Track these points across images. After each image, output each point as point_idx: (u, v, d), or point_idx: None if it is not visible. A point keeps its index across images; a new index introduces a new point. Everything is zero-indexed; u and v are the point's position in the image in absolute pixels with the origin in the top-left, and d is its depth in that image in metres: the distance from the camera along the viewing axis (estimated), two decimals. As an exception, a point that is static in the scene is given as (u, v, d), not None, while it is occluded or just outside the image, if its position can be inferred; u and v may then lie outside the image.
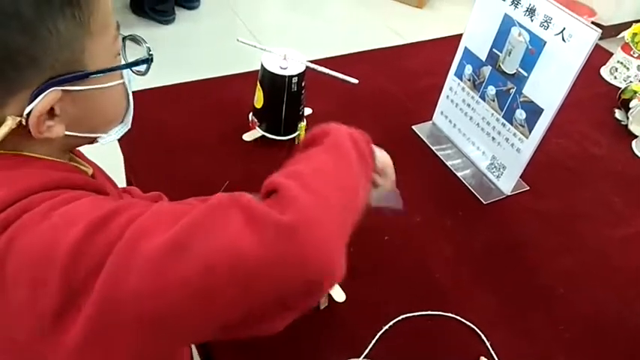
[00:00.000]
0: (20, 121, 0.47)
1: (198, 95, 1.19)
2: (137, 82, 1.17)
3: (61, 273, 0.41)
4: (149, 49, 0.56)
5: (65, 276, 0.41)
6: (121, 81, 0.54)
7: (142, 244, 0.41)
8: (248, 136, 1.06)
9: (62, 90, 0.47)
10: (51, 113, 0.48)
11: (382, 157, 0.70)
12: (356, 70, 1.10)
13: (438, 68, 1.16)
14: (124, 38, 0.56)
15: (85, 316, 0.40)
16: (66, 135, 0.51)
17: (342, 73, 1.04)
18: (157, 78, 1.21)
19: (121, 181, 1.03)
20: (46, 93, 0.46)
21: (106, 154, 1.06)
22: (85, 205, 0.45)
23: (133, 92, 1.18)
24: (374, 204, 0.70)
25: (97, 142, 0.57)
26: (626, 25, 1.49)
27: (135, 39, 0.57)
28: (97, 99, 0.52)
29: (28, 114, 0.46)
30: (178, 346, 0.44)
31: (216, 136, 1.08)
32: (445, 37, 1.43)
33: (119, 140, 1.04)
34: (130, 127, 0.60)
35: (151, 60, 0.56)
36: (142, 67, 0.57)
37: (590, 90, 1.40)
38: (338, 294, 0.80)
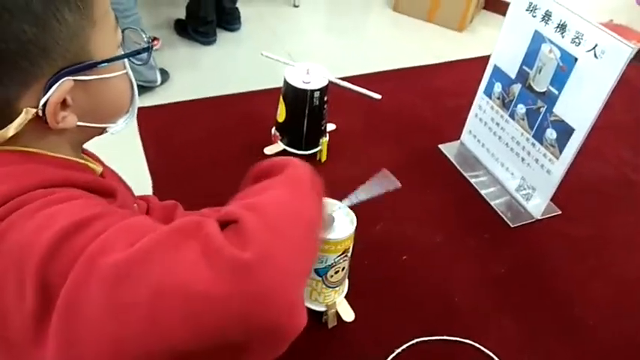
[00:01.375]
0: (36, 113, 0.48)
1: (224, 109, 1.20)
2: (169, 97, 1.20)
3: (36, 276, 0.41)
4: (149, 38, 0.58)
5: (39, 280, 0.40)
6: (124, 71, 0.56)
7: (100, 260, 0.40)
8: (269, 150, 1.06)
9: (74, 80, 0.49)
10: (63, 104, 0.50)
11: (327, 207, 0.67)
12: (383, 87, 1.08)
13: (469, 87, 1.13)
14: (124, 30, 0.57)
15: (54, 325, 0.40)
16: (77, 126, 0.52)
17: (370, 89, 1.03)
18: (196, 96, 1.24)
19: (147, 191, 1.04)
20: (59, 83, 0.48)
21: (135, 168, 1.08)
22: (68, 208, 0.45)
23: (162, 106, 1.22)
24: (367, 197, 0.68)
25: (107, 132, 0.58)
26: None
27: (135, 30, 0.58)
28: (104, 88, 0.54)
29: (44, 105, 0.48)
30: None
31: (239, 150, 1.08)
32: (478, 57, 1.40)
33: (146, 153, 1.09)
34: (135, 116, 0.61)
35: (151, 48, 0.58)
36: (143, 59, 0.58)
37: (633, 113, 1.34)
38: (346, 313, 0.77)
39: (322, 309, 0.77)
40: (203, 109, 1.20)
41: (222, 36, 2.94)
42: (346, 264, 0.73)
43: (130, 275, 0.39)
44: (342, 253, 0.70)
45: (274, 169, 0.56)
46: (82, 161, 0.58)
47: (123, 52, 0.56)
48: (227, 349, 0.41)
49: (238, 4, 2.96)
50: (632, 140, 1.25)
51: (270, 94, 1.15)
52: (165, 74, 2.53)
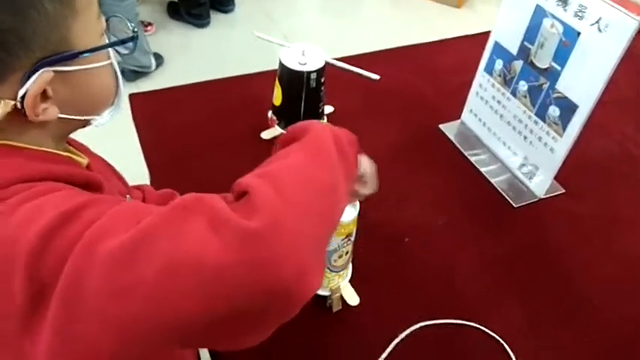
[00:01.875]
0: (15, 105, 0.46)
1: (218, 94, 1.17)
2: (164, 82, 1.17)
3: (25, 271, 0.40)
4: (134, 28, 0.56)
5: (28, 275, 0.40)
6: (108, 61, 0.54)
7: (99, 246, 0.39)
8: (267, 134, 1.03)
9: (53, 71, 0.47)
10: (43, 95, 0.48)
11: (365, 163, 0.64)
12: (382, 66, 1.06)
13: (469, 65, 1.11)
14: (108, 18, 0.55)
15: (52, 316, 0.39)
16: (59, 118, 0.50)
17: (368, 69, 1.01)
18: (192, 79, 1.22)
19: (145, 179, 1.02)
20: (38, 74, 0.46)
21: (130, 155, 1.06)
22: (51, 200, 0.44)
23: (156, 91, 1.19)
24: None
25: (91, 124, 0.56)
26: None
27: (121, 19, 0.56)
28: (86, 79, 0.52)
29: (23, 96, 0.46)
30: (152, 352, 0.41)
31: (235, 135, 1.06)
32: (478, 34, 1.37)
33: (140, 139, 1.07)
34: (122, 108, 0.59)
35: (137, 38, 0.56)
36: (128, 49, 0.56)
37: (636, 88, 1.31)
38: (351, 296, 0.76)
39: (327, 293, 0.76)
40: (197, 93, 1.18)
41: (216, 18, 2.89)
42: (350, 248, 0.71)
43: (134, 256, 0.39)
44: (346, 237, 0.69)
45: (297, 134, 0.55)
46: (66, 154, 0.56)
47: (107, 42, 0.54)
48: (238, 317, 0.41)
49: (231, -15, 2.92)
50: (635, 115, 1.22)
51: (266, 77, 1.13)
52: (159, 58, 2.49)
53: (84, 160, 0.59)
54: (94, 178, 0.56)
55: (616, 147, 1.13)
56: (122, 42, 0.55)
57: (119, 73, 0.58)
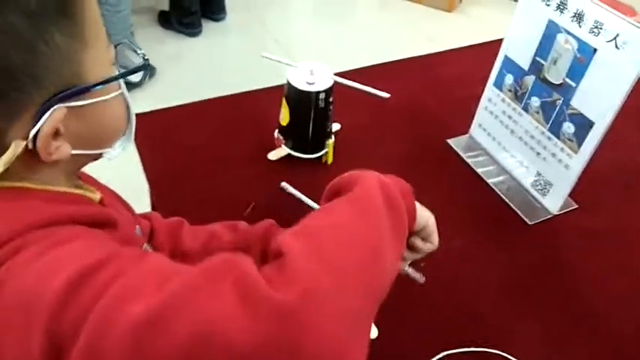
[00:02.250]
0: (26, 146, 0.44)
1: (223, 112, 1.14)
2: (164, 100, 1.15)
3: (45, 325, 0.37)
4: (144, 56, 0.54)
5: (49, 328, 0.37)
6: (119, 91, 0.52)
7: (123, 308, 0.36)
8: (273, 155, 1.01)
9: (66, 107, 0.45)
10: (56, 133, 0.46)
11: (424, 215, 0.60)
12: (387, 81, 1.04)
13: (475, 77, 1.09)
14: (116, 46, 0.53)
15: None
16: (72, 155, 0.48)
17: (373, 84, 0.98)
18: (185, 91, 1.19)
19: (146, 205, 0.99)
20: (51, 111, 0.44)
21: (130, 177, 1.03)
22: (72, 252, 0.41)
23: (156, 111, 1.16)
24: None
25: (103, 157, 0.54)
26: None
27: (129, 46, 0.53)
28: (99, 112, 0.49)
29: (35, 136, 0.44)
30: None
31: (240, 155, 1.03)
32: (481, 44, 1.36)
33: (142, 161, 1.03)
34: (133, 139, 0.57)
35: (148, 66, 0.54)
36: (139, 77, 0.55)
37: (640, 96, 1.30)
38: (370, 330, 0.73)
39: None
40: (200, 112, 1.15)
41: (208, 26, 2.85)
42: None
43: (163, 321, 0.36)
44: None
45: (343, 186, 0.52)
46: (79, 192, 0.53)
47: (117, 71, 0.52)
48: None
49: (222, -8, 2.88)
50: (642, 124, 1.21)
51: (270, 94, 1.10)
52: (151, 69, 2.45)
53: (97, 196, 0.57)
54: (110, 216, 0.54)
55: (627, 160, 1.12)
56: (133, 71, 0.53)
57: (130, 102, 0.55)
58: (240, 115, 1.13)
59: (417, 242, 0.63)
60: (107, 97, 0.49)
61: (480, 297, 0.83)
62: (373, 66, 1.28)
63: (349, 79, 0.94)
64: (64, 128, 0.46)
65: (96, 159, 0.54)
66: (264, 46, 2.75)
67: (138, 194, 0.94)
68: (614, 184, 1.06)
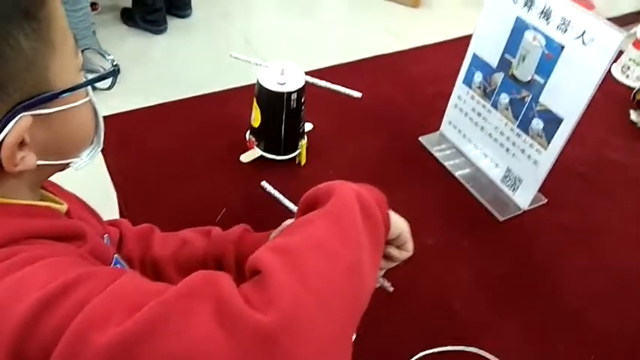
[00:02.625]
0: None
1: (192, 113, 1.12)
2: (129, 101, 1.11)
3: (10, 349, 0.36)
4: (113, 61, 0.52)
5: (14, 352, 0.36)
6: (87, 98, 0.50)
7: (93, 335, 0.34)
8: (246, 157, 0.99)
9: (32, 115, 0.43)
10: (21, 143, 0.44)
11: (398, 223, 0.59)
12: (358, 79, 1.03)
13: (444, 74, 1.09)
14: (83, 51, 0.51)
15: None
16: (37, 165, 0.46)
17: (344, 83, 0.97)
18: (150, 91, 1.15)
19: (114, 212, 0.96)
20: (16, 120, 0.42)
21: (97, 183, 1.00)
22: (36, 274, 0.39)
23: (122, 114, 1.13)
24: None
25: (70, 167, 0.52)
26: (629, 19, 1.42)
27: (97, 51, 0.51)
28: (66, 120, 0.47)
29: None
30: None
31: (211, 158, 1.01)
32: (449, 41, 1.36)
33: (108, 167, 1.00)
34: (101, 147, 0.54)
35: (118, 72, 0.52)
36: (108, 83, 0.52)
37: (601, 90, 1.33)
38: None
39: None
40: (167, 113, 1.12)
41: (173, 23, 2.80)
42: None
43: (133, 353, 0.34)
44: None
45: (319, 197, 0.50)
46: (44, 204, 0.51)
47: (84, 78, 0.50)
48: None
49: (187, -12, 2.83)
50: (603, 118, 1.24)
51: (240, 94, 1.08)
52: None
53: (63, 207, 0.55)
54: (78, 228, 0.52)
55: (590, 152, 1.14)
56: (102, 77, 0.52)
57: (98, 110, 0.53)
58: (209, 117, 1.11)
59: (393, 251, 0.62)
60: (74, 104, 0.47)
61: (454, 295, 0.84)
62: (344, 64, 1.27)
63: (320, 78, 0.93)
64: (30, 137, 0.44)
65: (63, 169, 0.52)
66: (231, 43, 2.72)
67: (104, 201, 0.91)
68: (581, 178, 1.08)
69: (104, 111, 0.53)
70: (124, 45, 2.63)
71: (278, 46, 2.67)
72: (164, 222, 0.80)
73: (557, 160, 0.91)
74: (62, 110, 0.46)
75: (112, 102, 1.12)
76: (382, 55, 1.34)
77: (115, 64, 0.52)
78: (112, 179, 0.97)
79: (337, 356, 0.39)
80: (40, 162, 0.46)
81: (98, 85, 0.53)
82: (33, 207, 0.49)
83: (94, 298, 0.37)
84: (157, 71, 2.48)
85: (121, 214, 1.00)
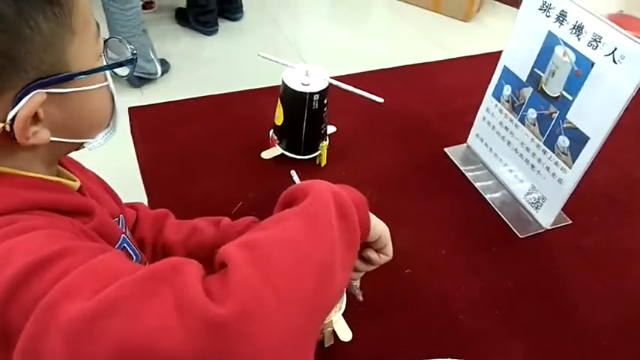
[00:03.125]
0: (4, 127, 0.45)
1: (220, 109, 1.15)
2: (179, 96, 1.15)
3: None
4: (133, 50, 0.54)
5: None
6: (105, 83, 0.52)
7: (61, 308, 0.36)
8: (267, 154, 1.01)
9: (47, 93, 0.45)
10: (35, 118, 0.46)
11: (378, 226, 0.58)
12: (387, 86, 1.04)
13: (477, 86, 1.08)
14: (106, 40, 0.53)
15: None
16: (51, 141, 0.48)
17: (373, 89, 0.98)
18: (198, 87, 1.19)
19: (143, 196, 1.00)
20: (30, 96, 0.44)
21: (126, 171, 1.04)
22: (26, 243, 0.41)
23: (155, 105, 1.17)
24: None
25: (84, 147, 0.55)
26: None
27: (120, 40, 0.54)
28: (81, 102, 0.50)
29: (12, 119, 0.44)
30: None
31: (234, 153, 1.04)
32: (487, 54, 1.34)
33: (137, 154, 1.04)
34: (116, 131, 0.56)
35: (136, 60, 0.54)
36: (126, 71, 0.54)
37: (631, 110, 1.28)
38: (343, 332, 0.72)
39: (318, 328, 0.73)
40: (198, 108, 1.15)
41: (224, 25, 2.88)
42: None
43: (92, 329, 0.35)
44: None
45: (297, 195, 0.50)
46: (56, 179, 0.54)
47: (104, 63, 0.52)
48: None
49: (239, -8, 2.90)
50: (637, 139, 1.19)
51: (269, 93, 1.10)
52: (165, 64, 2.47)
53: (76, 183, 0.57)
54: (86, 205, 0.54)
55: (622, 176, 1.10)
56: (119, 64, 0.53)
57: (115, 95, 0.55)
58: (237, 113, 1.14)
59: (372, 254, 0.62)
60: (91, 87, 0.49)
61: (464, 308, 0.82)
62: (375, 71, 1.28)
63: (348, 83, 0.94)
64: (45, 114, 0.46)
65: (77, 148, 0.55)
66: (278, 47, 2.76)
67: (135, 185, 0.95)
68: (608, 200, 1.04)
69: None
70: (177, 44, 2.73)
71: (322, 53, 2.70)
72: (183, 211, 0.83)
73: (583, 181, 0.88)
74: (77, 92, 0.48)
75: (159, 97, 1.17)
76: (415, 64, 1.33)
77: (134, 53, 0.54)
78: (140, 166, 1.01)
79: (296, 351, 0.39)
80: (53, 138, 0.48)
81: (118, 71, 0.55)
82: (44, 180, 0.51)
83: (72, 271, 0.38)
84: (206, 70, 2.55)
85: (149, 202, 1.04)
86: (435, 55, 2.81)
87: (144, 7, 2.85)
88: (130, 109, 1.10)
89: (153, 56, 2.34)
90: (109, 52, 0.54)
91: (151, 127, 1.08)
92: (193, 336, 0.35)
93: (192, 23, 2.79)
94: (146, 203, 1.00)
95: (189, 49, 2.71)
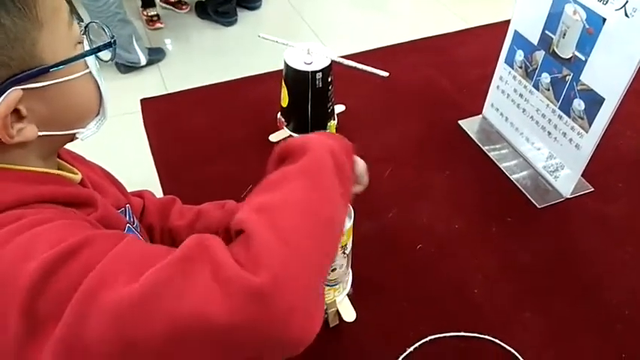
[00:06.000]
0: None
1: (230, 95, 1.15)
2: (194, 81, 1.15)
3: (21, 307, 0.38)
4: (111, 34, 0.52)
5: (24, 312, 0.38)
6: (86, 71, 0.50)
7: (102, 294, 0.37)
8: (275, 137, 1.00)
9: (22, 89, 0.44)
10: (18, 115, 0.45)
11: (360, 165, 0.61)
12: (400, 60, 1.02)
13: (490, 56, 1.04)
14: (86, 26, 0.52)
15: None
16: (40, 136, 0.48)
17: (384, 64, 0.95)
18: (219, 77, 1.20)
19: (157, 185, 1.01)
20: (6, 94, 0.43)
21: (140, 159, 1.05)
22: (45, 235, 0.41)
23: (166, 95, 1.18)
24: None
25: (77, 138, 0.54)
26: None
27: (98, 25, 0.53)
28: (64, 93, 0.48)
29: None
30: None
31: (243, 137, 1.04)
32: (501, 22, 1.29)
33: (150, 143, 1.05)
34: (107, 118, 0.55)
35: (114, 44, 0.52)
36: (109, 54, 0.53)
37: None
38: (347, 313, 0.71)
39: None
40: (208, 95, 1.16)
41: (244, 15, 2.87)
42: (345, 261, 0.67)
43: (140, 312, 0.37)
44: (340, 250, 0.65)
45: (295, 152, 0.51)
46: (56, 172, 0.53)
47: (83, 50, 0.51)
48: None
49: (256, -19, 2.89)
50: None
51: (275, 77, 1.09)
52: (159, 53, 2.50)
53: (77, 176, 0.56)
54: (87, 196, 0.54)
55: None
56: (97, 50, 0.52)
57: (101, 81, 0.54)
58: (246, 98, 1.13)
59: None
60: (71, 77, 0.48)
61: (479, 282, 0.80)
62: (385, 47, 1.25)
63: (357, 61, 0.92)
64: (28, 110, 0.46)
65: (71, 140, 0.54)
66: (299, 35, 2.74)
67: (146, 178, 0.97)
68: (633, 167, 0.99)
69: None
70: (199, 36, 2.75)
71: (345, 39, 2.66)
72: (195, 196, 0.83)
73: (607, 148, 0.84)
74: (58, 83, 0.47)
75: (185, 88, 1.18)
76: (430, 37, 1.30)
77: (112, 36, 0.53)
78: (152, 154, 1.02)
79: (316, 304, 0.43)
80: (42, 133, 0.48)
81: (101, 55, 0.53)
82: (43, 174, 0.51)
83: (99, 259, 0.39)
84: (227, 60, 2.56)
85: (164, 191, 1.05)
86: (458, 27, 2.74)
87: (174, 5, 2.88)
88: (141, 100, 1.11)
89: (137, 46, 2.35)
90: (93, 38, 0.54)
91: (163, 116, 1.09)
92: (238, 306, 0.37)
93: (211, 15, 2.80)
94: (160, 190, 1.02)
95: (210, 40, 2.73)
